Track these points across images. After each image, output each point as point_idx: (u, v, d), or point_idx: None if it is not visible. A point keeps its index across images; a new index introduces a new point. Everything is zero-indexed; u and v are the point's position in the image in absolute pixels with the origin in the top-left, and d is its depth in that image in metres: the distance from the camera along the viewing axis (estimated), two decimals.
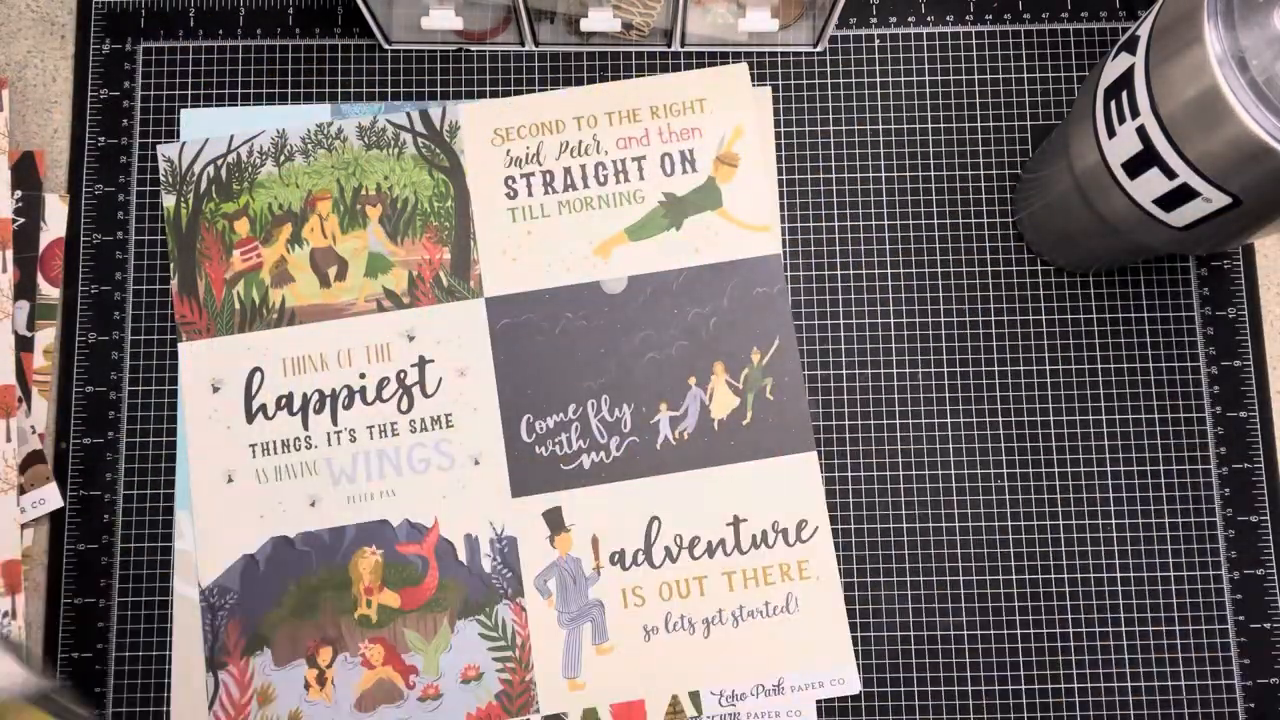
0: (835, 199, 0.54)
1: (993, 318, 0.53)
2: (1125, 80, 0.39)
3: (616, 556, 0.50)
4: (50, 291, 0.53)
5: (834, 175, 0.54)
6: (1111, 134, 0.40)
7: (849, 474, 0.52)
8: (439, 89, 0.55)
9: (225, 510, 0.51)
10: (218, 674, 0.50)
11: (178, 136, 0.54)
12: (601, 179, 0.53)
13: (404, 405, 0.52)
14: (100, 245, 0.54)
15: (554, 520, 0.51)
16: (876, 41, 0.55)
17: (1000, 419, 0.52)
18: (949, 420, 0.52)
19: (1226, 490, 0.52)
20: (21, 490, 0.51)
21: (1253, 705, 0.50)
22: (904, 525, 0.51)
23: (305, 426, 0.51)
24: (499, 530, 0.51)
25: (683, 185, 0.53)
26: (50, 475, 0.52)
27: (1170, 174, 0.38)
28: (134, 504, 0.52)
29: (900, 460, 0.52)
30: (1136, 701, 0.50)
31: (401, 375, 0.52)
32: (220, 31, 0.56)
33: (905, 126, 0.55)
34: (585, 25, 0.52)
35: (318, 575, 0.50)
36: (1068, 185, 0.46)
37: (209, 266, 0.53)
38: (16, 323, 0.53)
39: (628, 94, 0.54)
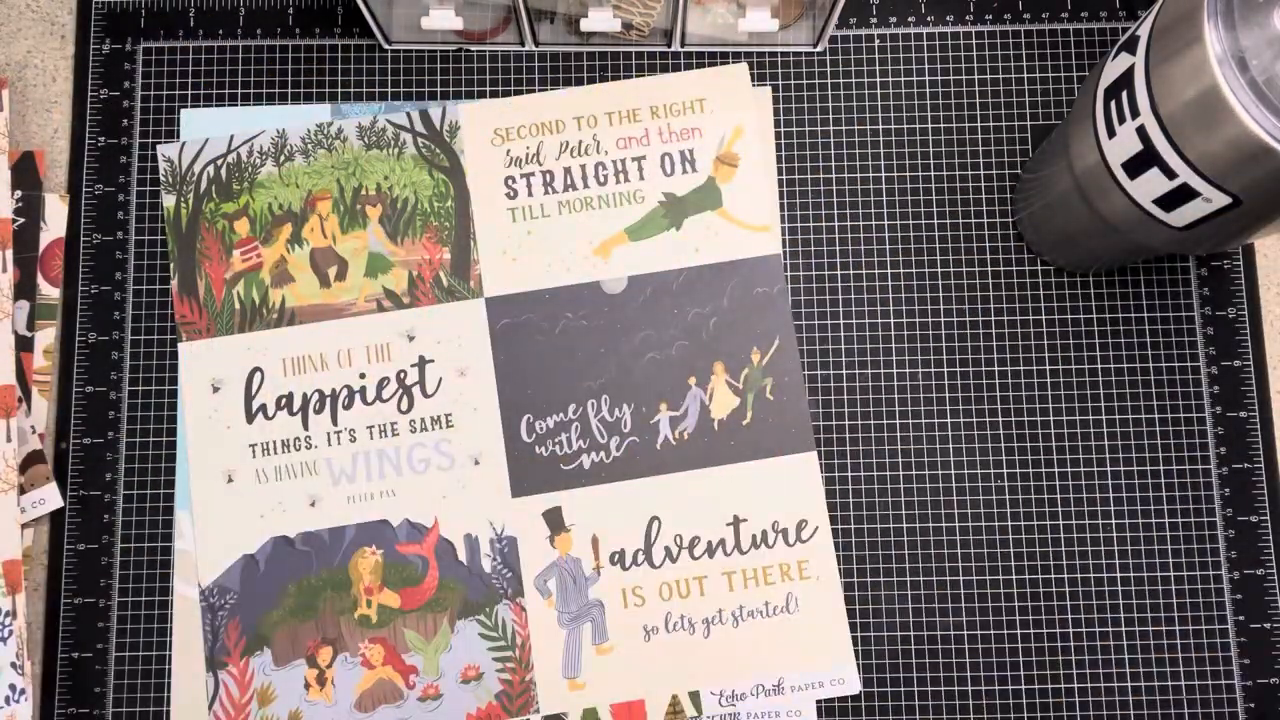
0: (835, 199, 0.54)
1: (993, 318, 0.53)
2: (1125, 80, 0.39)
3: (616, 556, 0.50)
4: (50, 291, 0.53)
5: (834, 175, 0.54)
6: (1111, 134, 0.40)
7: (849, 474, 0.52)
8: (439, 89, 0.55)
9: (225, 510, 0.51)
10: (218, 674, 0.50)
11: (178, 136, 0.54)
12: (601, 179, 0.53)
13: (404, 405, 0.52)
14: (100, 245, 0.54)
15: (554, 520, 0.51)
16: (876, 41, 0.55)
17: (1000, 419, 0.52)
18: (949, 420, 0.52)
19: (1226, 490, 0.52)
20: (21, 490, 0.51)
21: (1253, 705, 0.50)
22: (904, 525, 0.51)
23: (305, 426, 0.51)
24: (499, 530, 0.51)
25: (683, 185, 0.53)
26: (50, 475, 0.52)
27: (1170, 174, 0.38)
28: (134, 504, 0.52)
29: (900, 460, 0.52)
30: (1136, 701, 0.50)
31: (401, 375, 0.52)
32: (220, 31, 0.56)
33: (905, 126, 0.55)
34: (585, 25, 0.52)
35: (318, 575, 0.50)
36: (1068, 185, 0.46)
37: (209, 266, 0.53)
38: (16, 323, 0.53)
39: (627, 94, 0.54)
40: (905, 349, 0.53)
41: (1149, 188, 0.40)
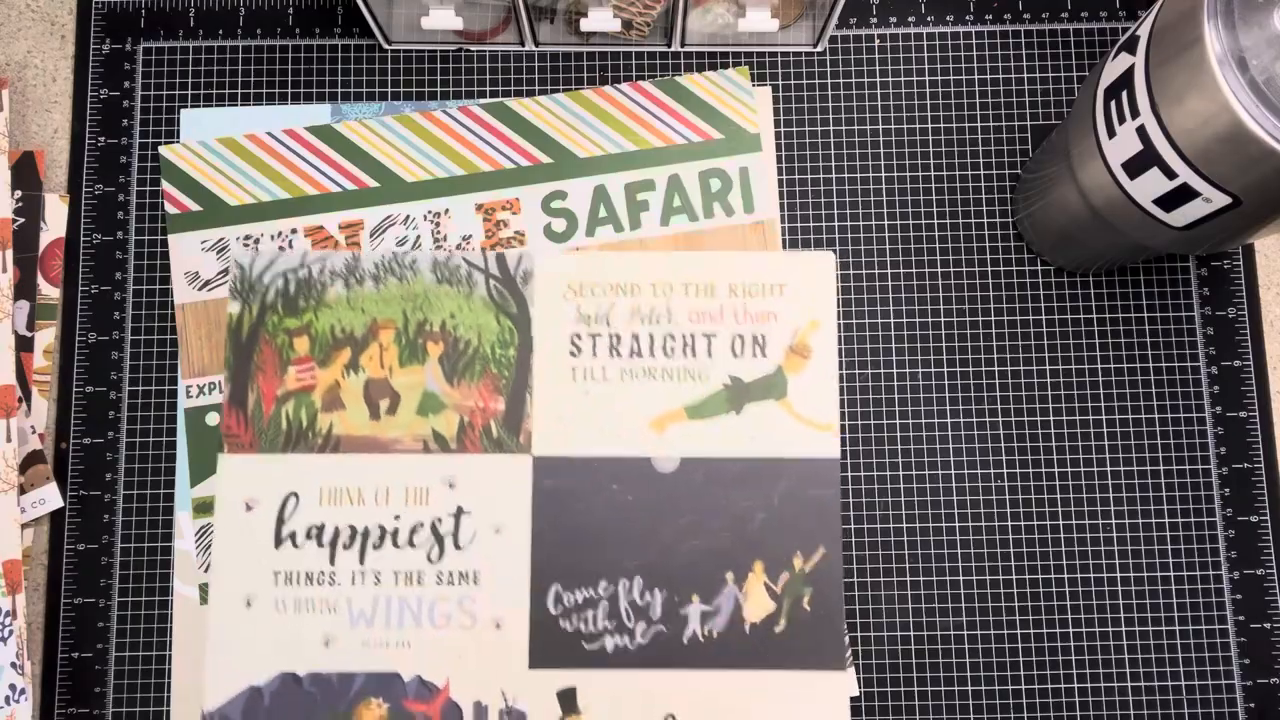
0: (835, 199, 0.54)
1: (993, 318, 0.53)
2: (1125, 80, 0.39)
3: None
4: (50, 291, 0.53)
5: (834, 175, 0.54)
6: (1111, 134, 0.40)
7: (849, 474, 0.52)
8: (439, 89, 0.55)
9: (239, 636, 0.49)
10: None
11: (178, 137, 0.54)
12: (669, 351, 0.52)
13: (434, 555, 0.50)
14: (100, 245, 0.54)
15: (567, 702, 0.49)
16: (876, 41, 0.55)
17: (1000, 419, 0.52)
18: (949, 420, 0.52)
19: (1226, 490, 0.52)
20: (21, 490, 0.51)
21: (1253, 705, 0.50)
22: (904, 525, 0.51)
23: (331, 561, 0.50)
24: (510, 701, 0.49)
25: (750, 371, 0.51)
26: (50, 475, 0.52)
27: (1170, 174, 0.38)
28: (134, 504, 0.52)
29: (900, 460, 0.52)
30: (1136, 701, 0.50)
31: (436, 523, 0.50)
32: (220, 31, 0.56)
33: (905, 126, 0.55)
34: (585, 25, 0.52)
35: None
36: (1068, 185, 0.46)
37: (262, 380, 0.52)
38: (16, 323, 0.53)
39: (707, 266, 0.52)
40: (905, 349, 0.53)
41: (1149, 188, 0.40)
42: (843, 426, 0.52)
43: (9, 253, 0.53)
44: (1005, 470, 0.52)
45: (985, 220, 0.54)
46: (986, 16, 0.55)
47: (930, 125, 0.55)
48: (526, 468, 0.51)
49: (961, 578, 0.51)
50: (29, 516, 0.51)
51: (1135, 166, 0.40)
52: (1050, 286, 0.53)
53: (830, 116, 0.55)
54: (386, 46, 0.55)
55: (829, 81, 0.55)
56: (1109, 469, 0.52)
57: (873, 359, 0.53)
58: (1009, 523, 0.51)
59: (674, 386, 0.51)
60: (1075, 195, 0.46)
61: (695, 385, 0.51)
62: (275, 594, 0.50)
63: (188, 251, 0.53)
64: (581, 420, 0.51)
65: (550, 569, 0.50)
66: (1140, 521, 0.51)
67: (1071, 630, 0.51)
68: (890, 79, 0.55)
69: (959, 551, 0.51)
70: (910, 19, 0.55)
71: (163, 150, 0.54)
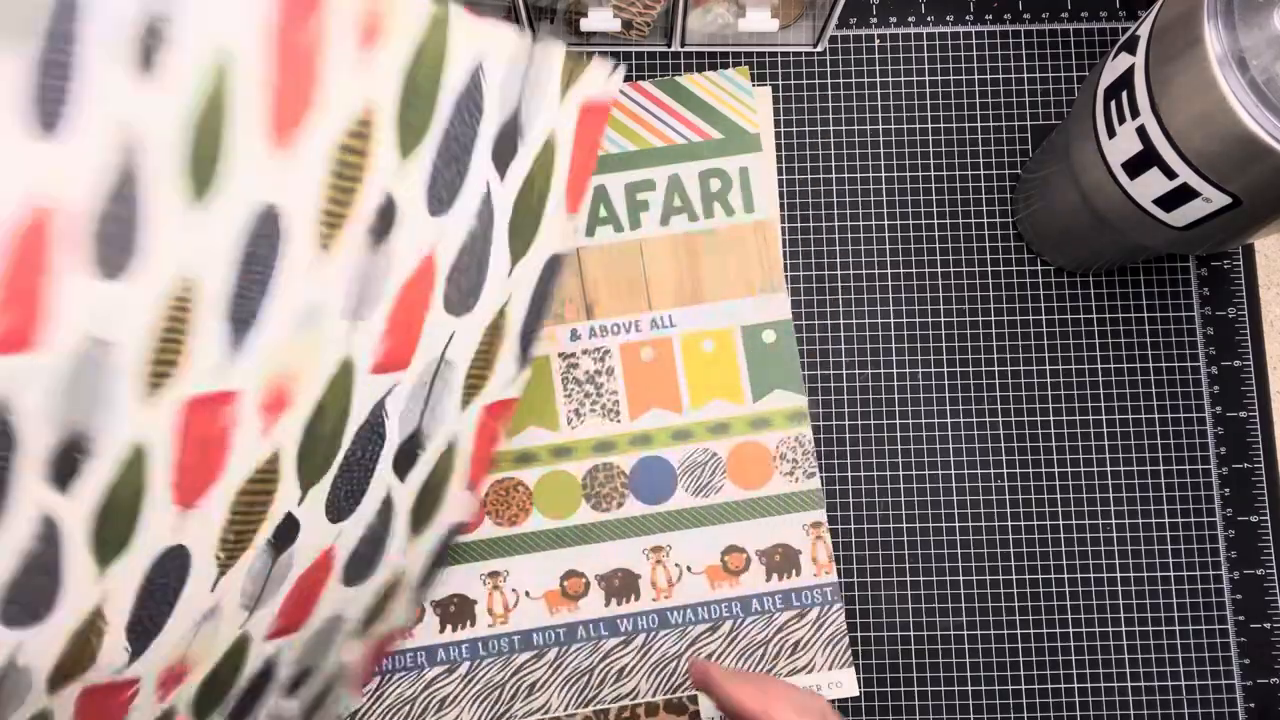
0: (835, 199, 0.54)
1: (993, 318, 0.53)
2: (1125, 80, 0.39)
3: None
4: None
5: (834, 175, 0.54)
6: (1111, 134, 0.40)
7: (849, 474, 0.52)
8: None
9: None
10: None
11: None
12: None
13: None
14: None
15: None
16: (876, 41, 0.55)
17: (1000, 419, 0.52)
18: (949, 420, 0.52)
19: (1226, 490, 0.52)
20: None
21: (1253, 705, 0.50)
22: (904, 525, 0.51)
23: None
24: None
25: None
26: None
27: (1170, 174, 0.38)
28: None
29: (900, 460, 0.52)
30: (1136, 701, 0.50)
31: None
32: None
33: (905, 126, 0.55)
34: (585, 25, 0.52)
35: None
36: (1068, 185, 0.46)
37: None
38: None
39: None
40: (905, 349, 0.53)
41: (1149, 188, 0.40)
42: (842, 426, 0.52)
43: None
44: (1005, 470, 0.52)
45: (985, 220, 0.54)
46: (986, 16, 0.55)
47: (930, 125, 0.54)
48: None
49: (961, 578, 0.51)
50: None
51: (1135, 166, 0.40)
52: (1050, 286, 0.53)
53: (830, 116, 0.55)
54: None
55: (829, 81, 0.55)
56: (1109, 469, 0.52)
57: (873, 359, 0.53)
58: (1009, 523, 0.51)
59: None
60: (1075, 195, 0.46)
61: None
62: None
63: None
64: None
65: None
66: (1140, 521, 0.51)
67: (1071, 630, 0.51)
68: (890, 79, 0.55)
69: (959, 551, 0.51)
70: (910, 19, 0.55)
71: None
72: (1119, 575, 0.51)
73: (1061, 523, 0.51)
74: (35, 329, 0.27)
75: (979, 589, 0.51)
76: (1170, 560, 0.51)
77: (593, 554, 0.51)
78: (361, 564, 0.39)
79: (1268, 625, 0.50)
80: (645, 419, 0.52)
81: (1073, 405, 0.52)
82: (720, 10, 0.52)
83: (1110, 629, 0.51)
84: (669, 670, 0.50)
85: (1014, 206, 0.54)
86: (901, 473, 0.52)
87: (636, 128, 0.54)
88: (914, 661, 0.50)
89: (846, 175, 0.54)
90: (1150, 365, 0.53)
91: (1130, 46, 0.39)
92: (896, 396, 0.52)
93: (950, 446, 0.52)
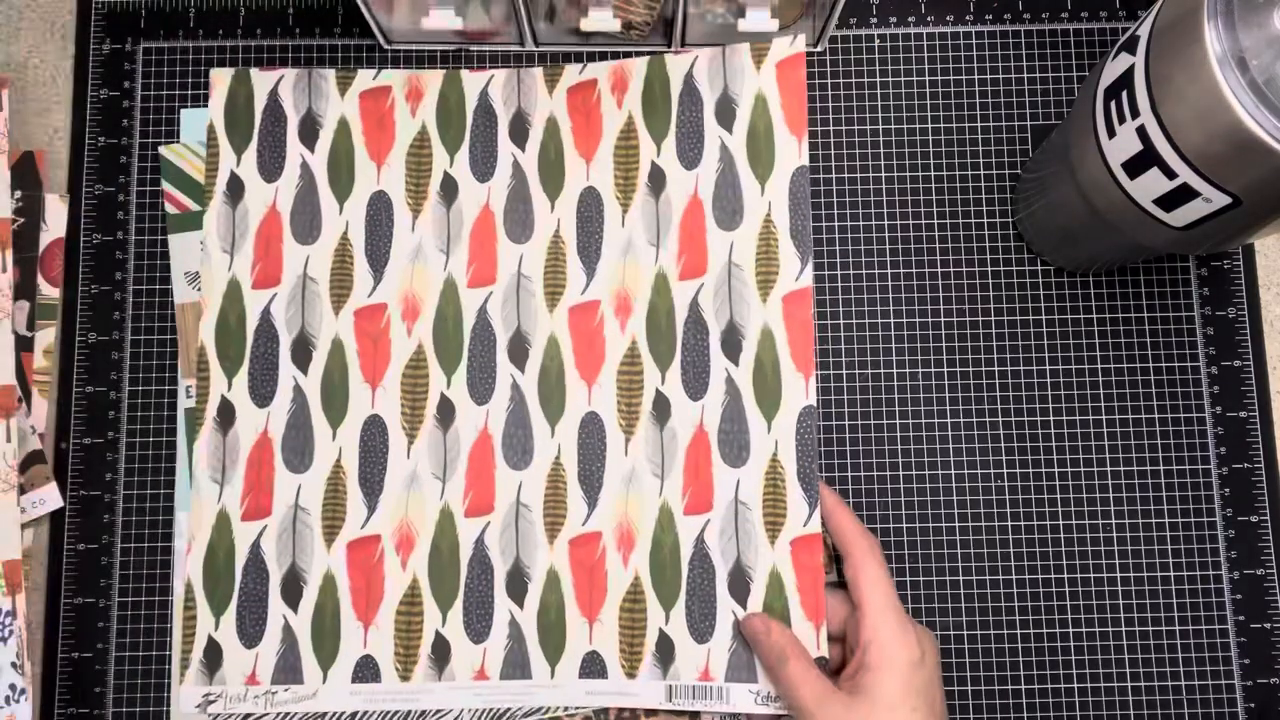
0: (835, 199, 0.54)
1: (993, 318, 0.53)
2: (1125, 80, 0.39)
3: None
4: (50, 291, 0.53)
5: (834, 175, 0.54)
6: (1111, 134, 0.40)
7: (849, 474, 0.52)
8: None
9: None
10: None
11: (178, 137, 0.54)
12: None
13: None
14: (100, 245, 0.54)
15: None
16: (876, 41, 0.55)
17: (1000, 419, 0.52)
18: (949, 420, 0.52)
19: (1226, 490, 0.52)
20: (21, 490, 0.51)
21: (1253, 705, 0.50)
22: (904, 525, 0.51)
23: None
24: None
25: None
26: (50, 475, 0.52)
27: (1170, 174, 0.38)
28: (134, 504, 0.52)
29: (900, 460, 0.52)
30: (1136, 701, 0.50)
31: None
32: (220, 31, 0.56)
33: (905, 126, 0.55)
34: (585, 25, 0.52)
35: None
36: (1068, 185, 0.46)
37: None
38: (16, 323, 0.53)
39: None
40: (905, 349, 0.53)
41: (1149, 188, 0.40)
42: (842, 426, 0.52)
43: (9, 253, 0.53)
44: (1005, 470, 0.52)
45: (985, 220, 0.54)
46: (986, 16, 0.55)
47: (930, 125, 0.54)
48: None
49: (961, 578, 0.51)
50: (29, 516, 0.51)
51: (1135, 166, 0.40)
52: (1050, 286, 0.53)
53: (830, 116, 0.55)
54: (386, 47, 0.55)
55: (829, 81, 0.55)
56: (1109, 469, 0.52)
57: (873, 359, 0.53)
58: (1009, 523, 0.51)
59: None
60: (1075, 195, 0.46)
61: None
62: None
63: (188, 251, 0.53)
64: None
65: None
66: (1140, 521, 0.51)
67: (1071, 630, 0.51)
68: (890, 79, 0.55)
69: (959, 551, 0.51)
70: (910, 19, 0.55)
71: (163, 150, 0.54)
72: (1119, 575, 0.51)
73: (1061, 523, 0.51)
74: (494, 271, 0.52)
75: (979, 589, 0.51)
76: (1170, 560, 0.51)
77: None
78: (734, 444, 0.50)
79: (1268, 625, 0.50)
80: None
81: (1073, 405, 0.52)
82: (720, 10, 0.52)
83: (1110, 629, 0.51)
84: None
85: (1014, 206, 0.54)
86: (901, 473, 0.52)
87: None
88: None
89: (846, 175, 0.54)
90: (1150, 365, 0.53)
91: (1130, 46, 0.39)
92: (896, 396, 0.52)
93: (950, 446, 0.52)
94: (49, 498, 0.52)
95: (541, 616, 0.49)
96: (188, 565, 0.50)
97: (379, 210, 0.53)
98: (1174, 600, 0.51)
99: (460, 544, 0.50)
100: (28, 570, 0.51)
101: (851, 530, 0.46)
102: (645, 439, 0.50)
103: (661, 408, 0.50)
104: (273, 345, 0.52)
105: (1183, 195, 0.39)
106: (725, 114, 0.52)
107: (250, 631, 0.50)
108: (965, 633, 0.51)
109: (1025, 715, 0.50)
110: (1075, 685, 0.50)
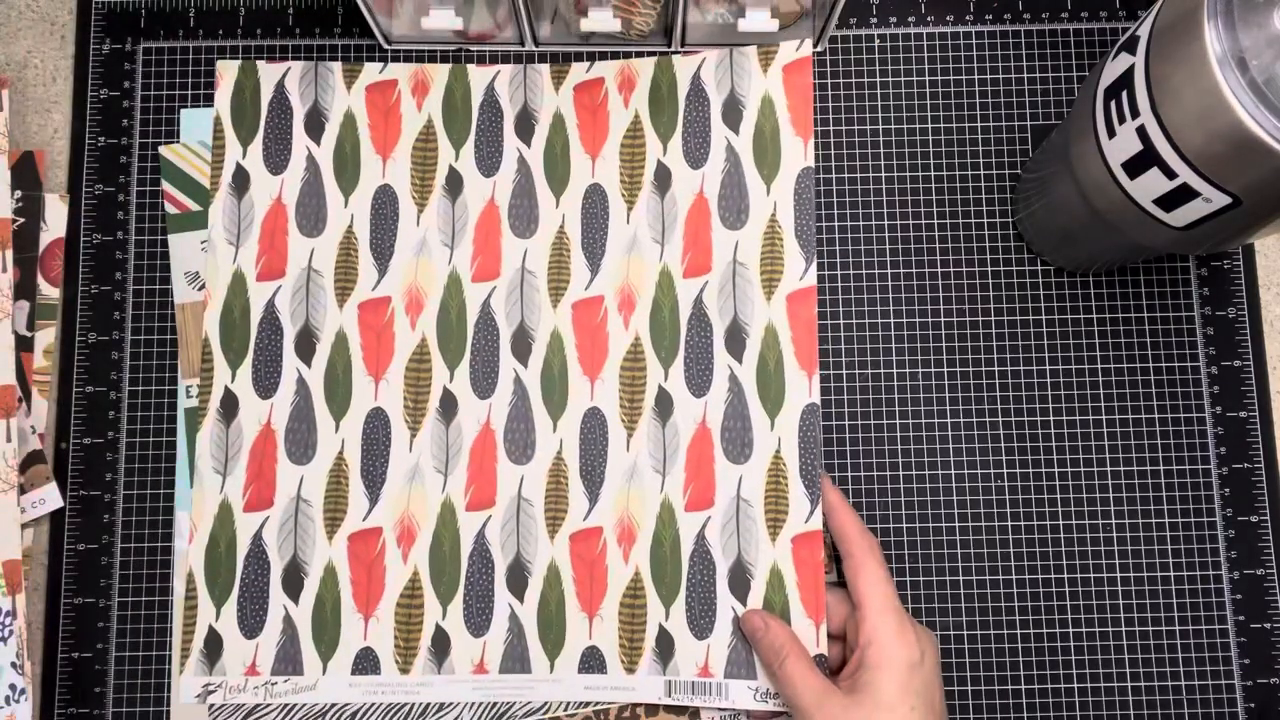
0: (835, 199, 0.54)
1: (993, 318, 0.53)
2: (1125, 80, 0.39)
3: None
4: (50, 291, 0.53)
5: (834, 175, 0.54)
6: (1111, 134, 0.40)
7: (849, 474, 0.52)
8: None
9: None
10: None
11: (178, 137, 0.54)
12: None
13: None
14: (100, 245, 0.54)
15: None
16: (876, 41, 0.55)
17: (1000, 419, 0.52)
18: (949, 420, 0.52)
19: (1226, 490, 0.52)
20: (21, 490, 0.51)
21: (1253, 705, 0.50)
22: (904, 525, 0.51)
23: None
24: None
25: None
26: (50, 475, 0.52)
27: (1170, 174, 0.38)
28: (134, 504, 0.52)
29: (900, 460, 0.52)
30: (1136, 701, 0.50)
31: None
32: (220, 31, 0.56)
33: (905, 126, 0.55)
34: (585, 25, 0.52)
35: None
36: (1068, 185, 0.46)
37: None
38: (16, 323, 0.53)
39: None
40: (905, 349, 0.53)
41: (1149, 188, 0.40)
42: (842, 426, 0.52)
43: (9, 253, 0.53)
44: (1005, 470, 0.52)
45: (985, 220, 0.54)
46: (986, 16, 0.55)
47: (930, 125, 0.54)
48: None
49: (961, 578, 0.51)
50: (29, 516, 0.51)
51: (1135, 166, 0.40)
52: (1050, 286, 0.53)
53: (830, 116, 0.55)
54: (386, 47, 0.55)
55: (829, 81, 0.55)
56: (1109, 469, 0.52)
57: (873, 359, 0.53)
58: (1009, 523, 0.51)
59: None
60: (1075, 195, 0.46)
61: None
62: None
63: (187, 251, 0.53)
64: None
65: None
66: (1140, 521, 0.51)
67: (1071, 630, 0.51)
68: (890, 79, 0.55)
69: (959, 551, 0.51)
70: (910, 19, 0.55)
71: (163, 150, 0.54)
72: (1119, 575, 0.51)
73: (1061, 523, 0.51)
74: (498, 265, 0.52)
75: (979, 589, 0.51)
76: (1170, 560, 0.51)
77: None
78: (737, 440, 0.50)
79: (1268, 625, 0.50)
80: None
81: (1073, 405, 0.52)
82: (720, 10, 0.52)
83: (1110, 629, 0.51)
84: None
85: (1014, 206, 0.54)
86: (901, 473, 0.52)
87: None
88: None
89: (846, 175, 0.54)
90: (1150, 365, 0.53)
91: (1130, 46, 0.39)
92: (896, 396, 0.52)
93: (950, 446, 0.52)
94: (49, 498, 0.52)
95: (541, 611, 0.49)
96: (189, 556, 0.50)
97: (384, 203, 0.53)
98: (1174, 600, 0.51)
99: (461, 537, 0.50)
100: (28, 570, 0.51)
101: (852, 530, 0.46)
102: (647, 435, 0.50)
103: (664, 404, 0.51)
104: (277, 337, 0.52)
105: (1183, 195, 0.39)
106: (732, 115, 0.52)
107: (251, 622, 0.50)
108: (965, 633, 0.51)
109: (1025, 715, 0.50)
110: (1075, 685, 0.50)
